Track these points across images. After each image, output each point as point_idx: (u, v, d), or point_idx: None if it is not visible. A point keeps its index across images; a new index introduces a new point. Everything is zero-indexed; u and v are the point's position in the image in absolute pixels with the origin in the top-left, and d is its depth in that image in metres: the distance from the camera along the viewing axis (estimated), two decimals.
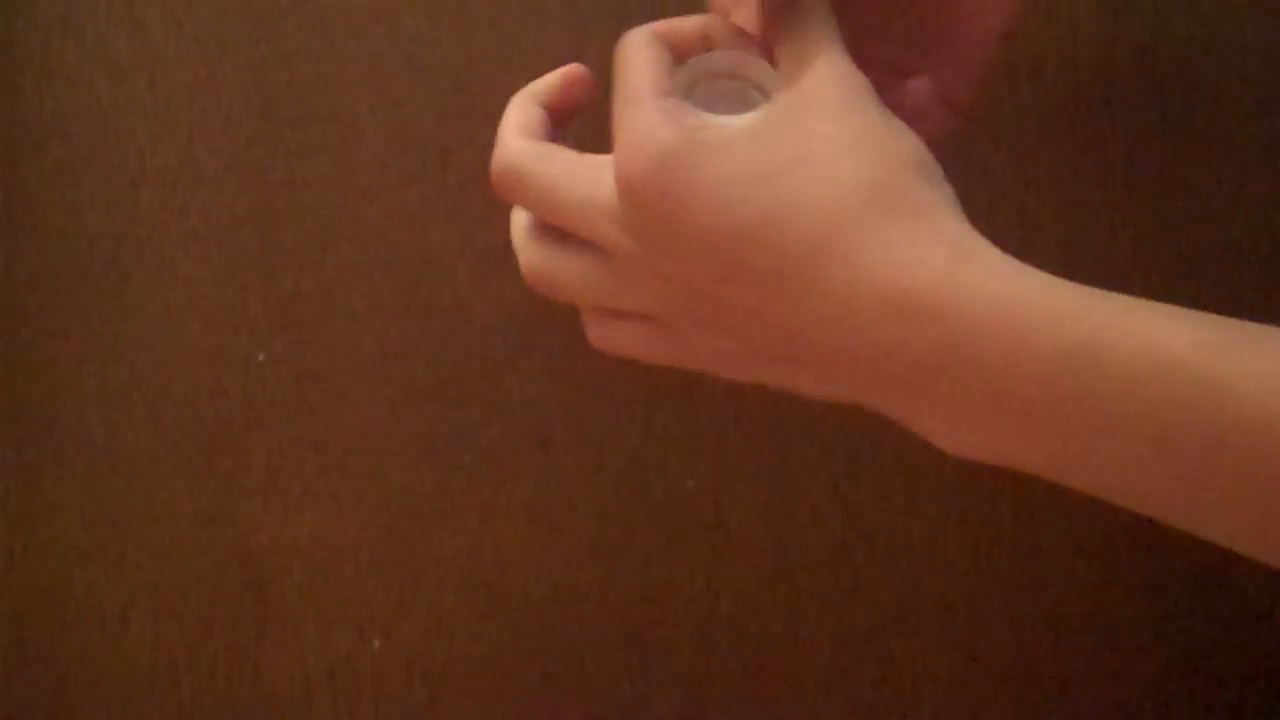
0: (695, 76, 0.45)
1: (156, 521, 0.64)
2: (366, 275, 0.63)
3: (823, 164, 0.40)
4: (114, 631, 0.65)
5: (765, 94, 0.44)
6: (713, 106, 0.44)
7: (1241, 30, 0.59)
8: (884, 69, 0.48)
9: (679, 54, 0.45)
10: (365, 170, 0.62)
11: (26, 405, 0.64)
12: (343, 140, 0.62)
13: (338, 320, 0.63)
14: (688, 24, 0.46)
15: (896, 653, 0.62)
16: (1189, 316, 0.37)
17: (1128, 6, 0.59)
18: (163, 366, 0.64)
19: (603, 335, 0.47)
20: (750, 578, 0.63)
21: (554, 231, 0.46)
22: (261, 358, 0.63)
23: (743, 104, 0.44)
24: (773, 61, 0.45)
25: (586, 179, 0.44)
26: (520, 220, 0.47)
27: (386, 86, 0.62)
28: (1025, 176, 0.60)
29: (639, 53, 0.45)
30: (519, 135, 0.47)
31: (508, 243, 0.63)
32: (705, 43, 0.46)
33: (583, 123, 0.52)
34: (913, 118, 0.46)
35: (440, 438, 0.63)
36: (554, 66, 0.61)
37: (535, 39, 0.61)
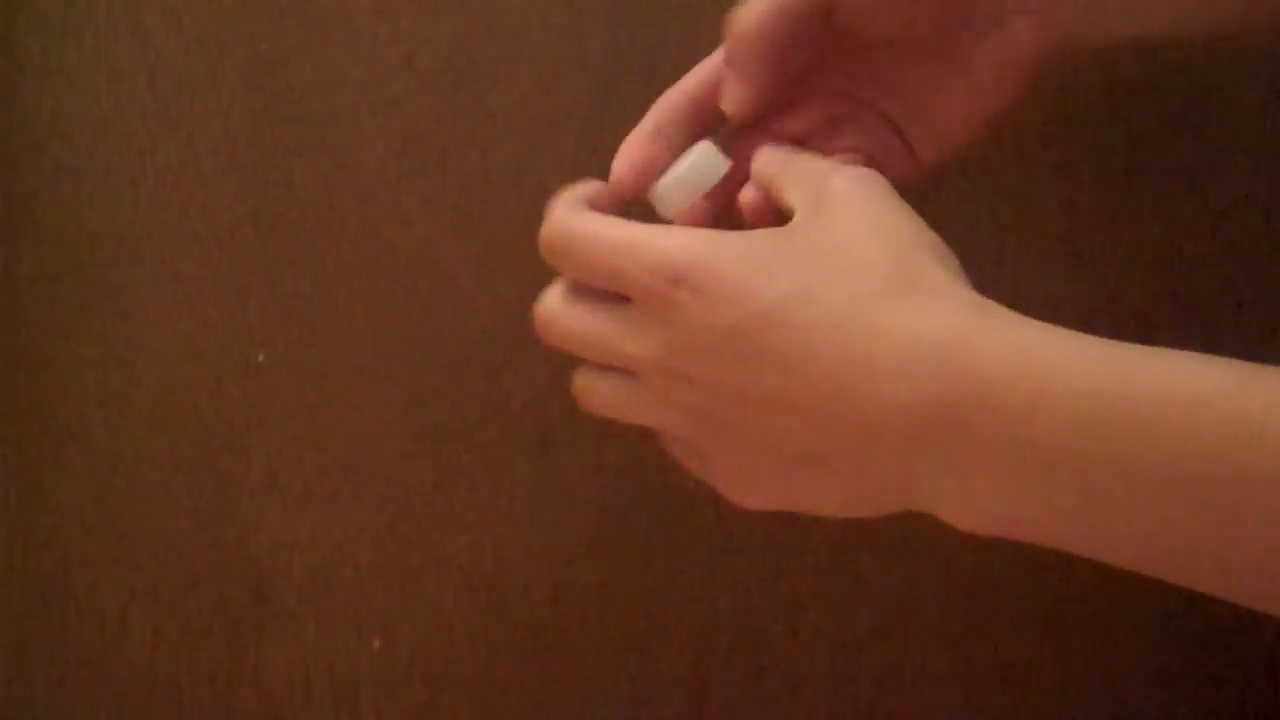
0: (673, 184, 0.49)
1: (156, 521, 0.64)
2: (366, 275, 0.63)
3: (839, 252, 0.42)
4: (114, 631, 0.65)
5: None
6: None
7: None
8: (862, 107, 0.49)
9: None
10: (365, 170, 0.62)
11: (26, 405, 0.64)
12: (343, 140, 0.62)
13: (338, 320, 0.63)
14: (585, 187, 0.49)
15: (896, 653, 0.62)
16: (1211, 360, 0.36)
17: None
18: (163, 366, 0.64)
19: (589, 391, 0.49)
20: (750, 578, 0.63)
21: (586, 289, 0.47)
22: (261, 358, 0.63)
23: None
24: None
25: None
26: (555, 287, 0.49)
27: (386, 86, 0.62)
28: (1025, 177, 0.60)
29: (587, 224, 0.47)
30: (569, 205, 0.48)
31: (508, 243, 0.63)
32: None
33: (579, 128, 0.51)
34: (874, 158, 0.48)
35: (440, 438, 0.63)
36: (554, 66, 0.61)
37: (535, 39, 0.61)
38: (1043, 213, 0.61)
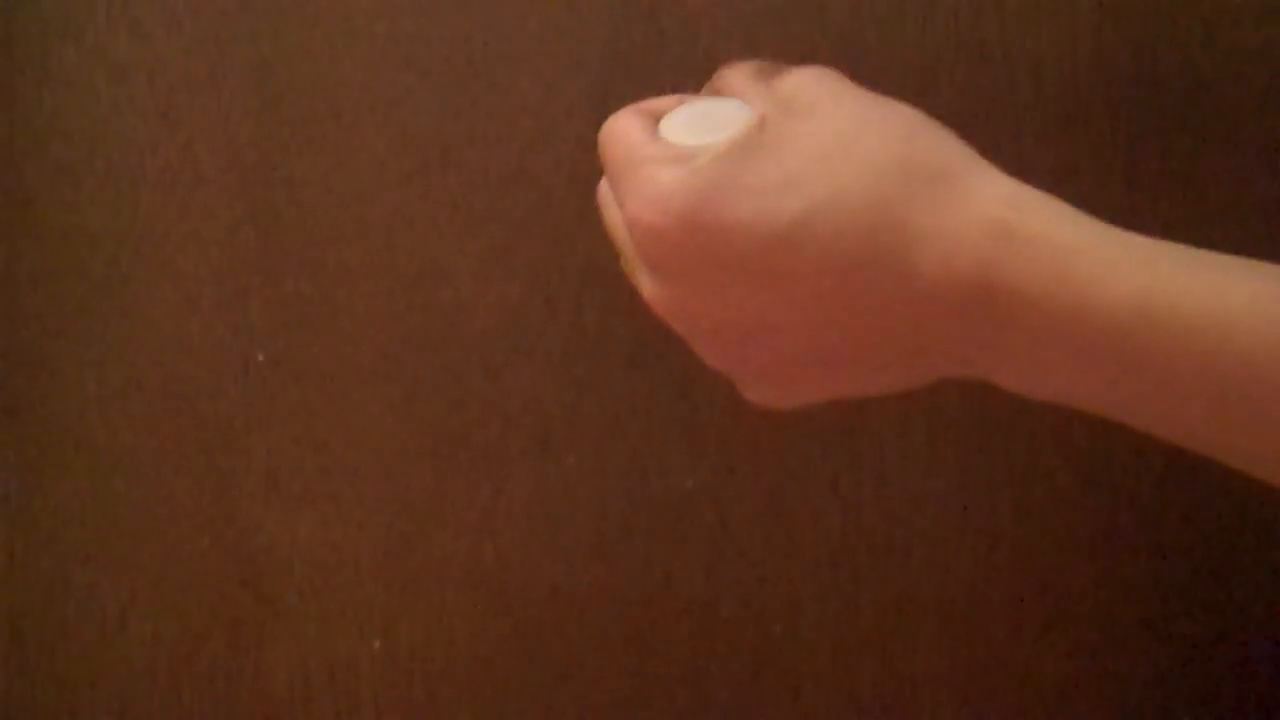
0: (679, 121, 0.44)
1: (156, 521, 0.64)
2: (366, 275, 0.63)
3: (840, 155, 0.40)
4: (114, 631, 0.65)
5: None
6: (704, 135, 0.43)
7: (1241, 30, 0.59)
8: None
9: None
10: (365, 170, 0.62)
11: (26, 405, 0.64)
12: (343, 140, 0.62)
13: (338, 320, 0.63)
14: (665, 100, 0.46)
15: (896, 653, 0.62)
16: (1250, 269, 0.37)
17: (1128, 6, 0.59)
18: (163, 366, 0.64)
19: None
20: (750, 578, 0.63)
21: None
22: (261, 358, 0.63)
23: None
24: None
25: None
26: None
27: (386, 86, 0.62)
28: (1025, 177, 0.60)
29: (617, 123, 0.44)
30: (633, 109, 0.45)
31: (508, 243, 0.63)
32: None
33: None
34: None
35: (440, 438, 0.63)
36: (554, 67, 0.61)
37: (535, 39, 0.61)
38: None
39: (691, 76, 0.55)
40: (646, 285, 0.44)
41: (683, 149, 0.42)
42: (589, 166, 0.59)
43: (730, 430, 0.62)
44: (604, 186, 0.45)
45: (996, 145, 0.61)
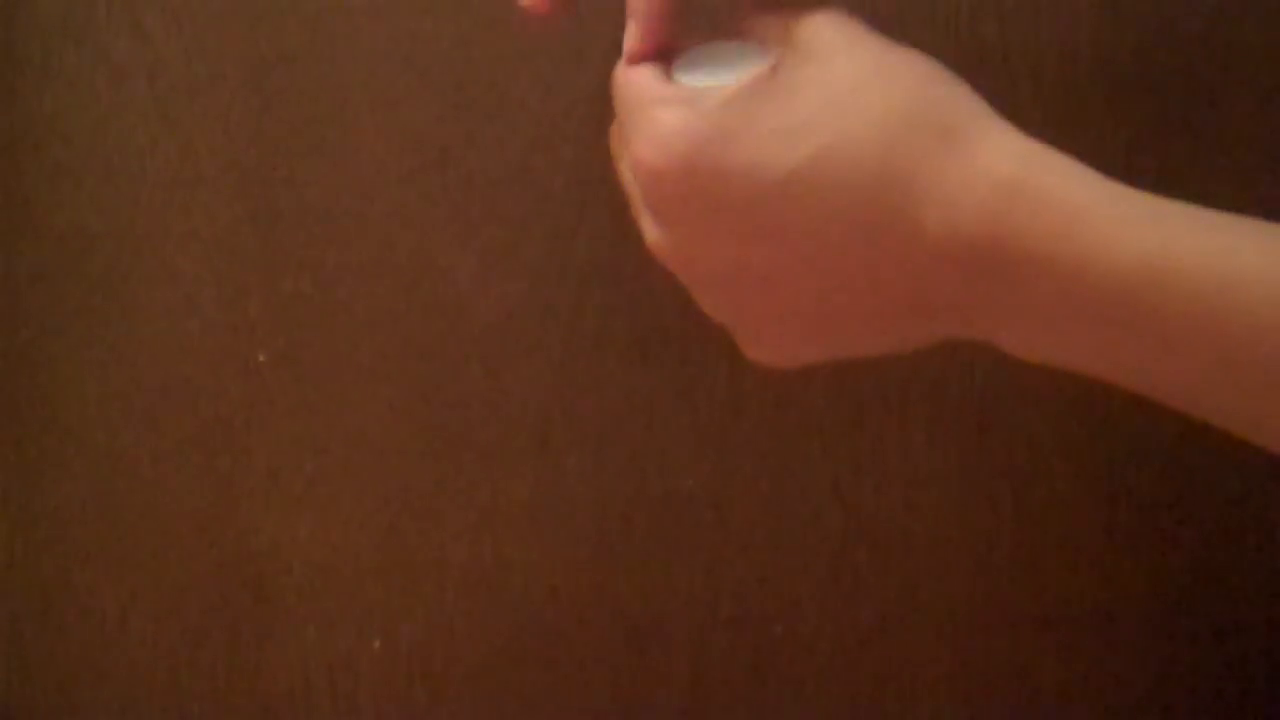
0: (691, 62, 0.44)
1: (156, 521, 0.64)
2: (366, 275, 0.63)
3: (849, 103, 0.39)
4: (114, 631, 0.65)
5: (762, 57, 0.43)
6: (715, 77, 0.42)
7: (1241, 30, 0.59)
8: None
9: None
10: (365, 170, 0.62)
11: (26, 405, 0.64)
12: (343, 140, 0.62)
13: (338, 320, 0.63)
14: (683, 40, 0.45)
15: (896, 653, 0.62)
16: (1257, 229, 0.36)
17: (1128, 6, 0.59)
18: (163, 366, 0.64)
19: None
20: (750, 578, 0.63)
21: None
22: (261, 358, 0.63)
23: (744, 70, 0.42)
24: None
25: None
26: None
27: (386, 86, 0.62)
28: None
29: (628, 69, 0.44)
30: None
31: (508, 243, 0.63)
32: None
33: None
34: None
35: (440, 438, 0.63)
36: (554, 67, 0.61)
37: (535, 39, 0.61)
38: None
39: None
40: (648, 228, 0.43)
41: (689, 91, 0.41)
42: (589, 166, 0.59)
43: (730, 430, 0.62)
44: (615, 130, 0.45)
45: None
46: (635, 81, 0.43)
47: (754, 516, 0.63)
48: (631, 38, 0.43)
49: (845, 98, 0.39)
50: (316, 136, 0.62)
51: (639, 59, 0.43)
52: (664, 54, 0.44)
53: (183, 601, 0.64)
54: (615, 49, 0.61)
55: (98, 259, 0.63)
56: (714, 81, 0.42)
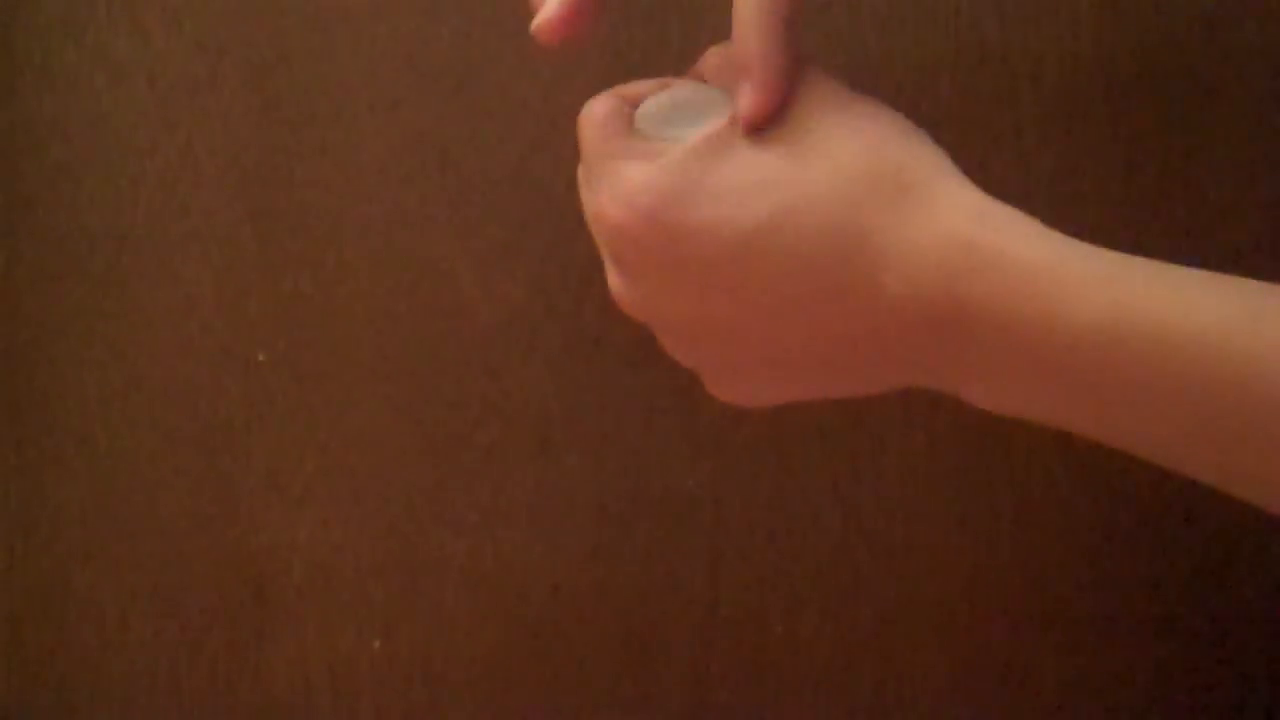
0: (655, 110, 0.44)
1: (156, 521, 0.64)
2: (366, 275, 0.63)
3: (810, 159, 0.40)
4: (114, 631, 0.65)
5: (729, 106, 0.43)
6: (676, 128, 0.42)
7: (1241, 30, 0.59)
8: None
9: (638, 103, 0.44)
10: (365, 170, 0.62)
11: (26, 405, 0.64)
12: (343, 140, 0.62)
13: (338, 320, 0.63)
14: (646, 84, 0.45)
15: (896, 653, 0.62)
16: (1217, 286, 0.36)
17: (1128, 6, 0.59)
18: (163, 366, 0.64)
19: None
20: (750, 578, 0.63)
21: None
22: (261, 358, 0.63)
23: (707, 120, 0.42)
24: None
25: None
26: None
27: (386, 86, 0.62)
28: (1025, 176, 0.60)
29: (594, 109, 0.43)
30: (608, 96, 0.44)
31: (508, 243, 0.63)
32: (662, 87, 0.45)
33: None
34: None
35: (440, 438, 0.63)
36: (554, 67, 0.61)
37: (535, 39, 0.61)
38: (1043, 212, 0.61)
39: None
40: (612, 277, 0.43)
41: (651, 146, 0.41)
42: None
43: (730, 430, 0.62)
44: (582, 172, 0.45)
45: (996, 145, 0.61)
46: (600, 131, 0.43)
47: (754, 516, 0.63)
48: (752, 105, 0.41)
49: (807, 154, 0.40)
50: (316, 136, 0.62)
51: (762, 124, 0.41)
52: (626, 97, 0.44)
53: (183, 601, 0.64)
54: (615, 49, 0.61)
55: (98, 259, 0.63)
56: (676, 132, 0.42)
